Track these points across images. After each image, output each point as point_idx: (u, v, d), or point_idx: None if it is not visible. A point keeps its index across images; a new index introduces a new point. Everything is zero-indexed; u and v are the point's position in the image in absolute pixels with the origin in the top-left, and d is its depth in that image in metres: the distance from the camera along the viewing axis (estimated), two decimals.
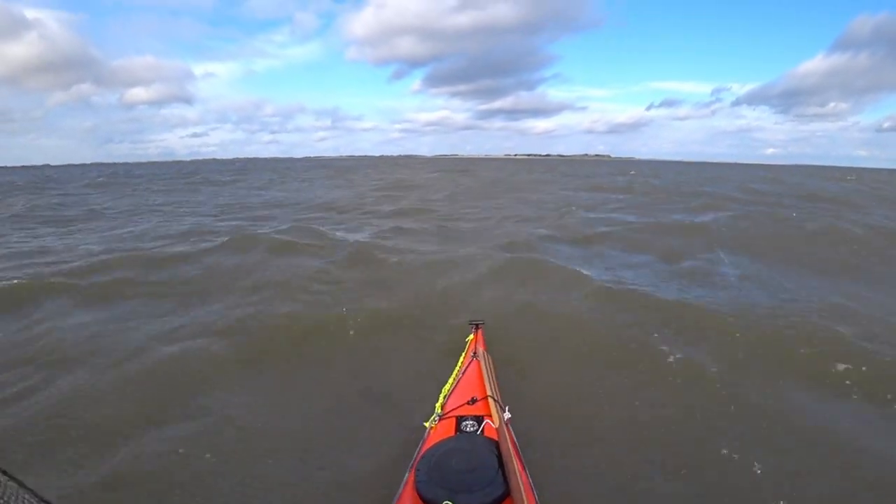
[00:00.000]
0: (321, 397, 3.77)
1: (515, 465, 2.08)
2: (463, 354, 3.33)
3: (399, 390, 3.91)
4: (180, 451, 2.98)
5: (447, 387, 2.91)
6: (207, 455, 2.98)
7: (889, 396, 3.64)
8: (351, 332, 4.82)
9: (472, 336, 3.56)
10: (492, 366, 3.07)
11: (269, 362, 4.27)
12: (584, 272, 6.63)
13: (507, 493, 1.94)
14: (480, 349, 3.27)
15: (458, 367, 3.18)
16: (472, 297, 5.61)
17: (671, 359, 4.23)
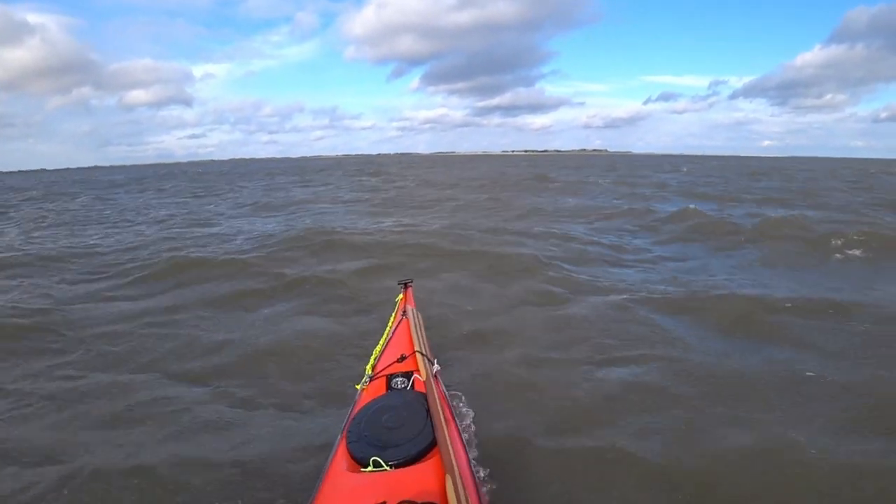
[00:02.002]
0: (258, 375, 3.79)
1: (442, 415, 2.07)
2: (393, 315, 3.32)
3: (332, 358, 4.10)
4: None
5: (378, 348, 2.89)
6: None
7: None
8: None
9: (401, 295, 3.54)
10: (421, 322, 3.06)
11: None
12: None
13: (434, 443, 1.95)
14: (409, 307, 3.26)
15: (388, 328, 3.15)
16: None
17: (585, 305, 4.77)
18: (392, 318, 3.28)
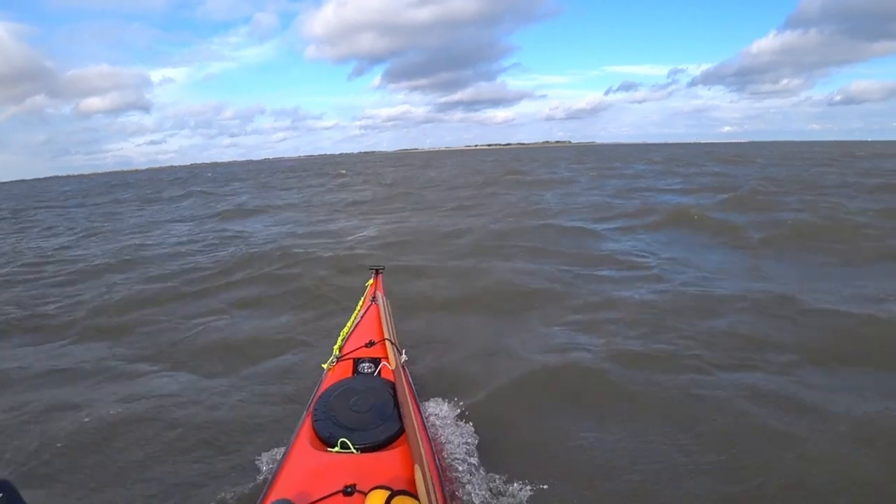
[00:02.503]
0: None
1: (410, 404, 2.09)
2: (362, 299, 3.32)
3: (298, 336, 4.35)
4: None
5: (346, 329, 2.89)
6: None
7: None
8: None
9: (371, 281, 3.54)
10: (389, 310, 3.07)
11: None
12: None
13: (401, 431, 1.97)
14: (379, 294, 3.26)
15: (357, 311, 3.17)
16: None
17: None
18: (361, 302, 3.27)
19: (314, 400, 2.24)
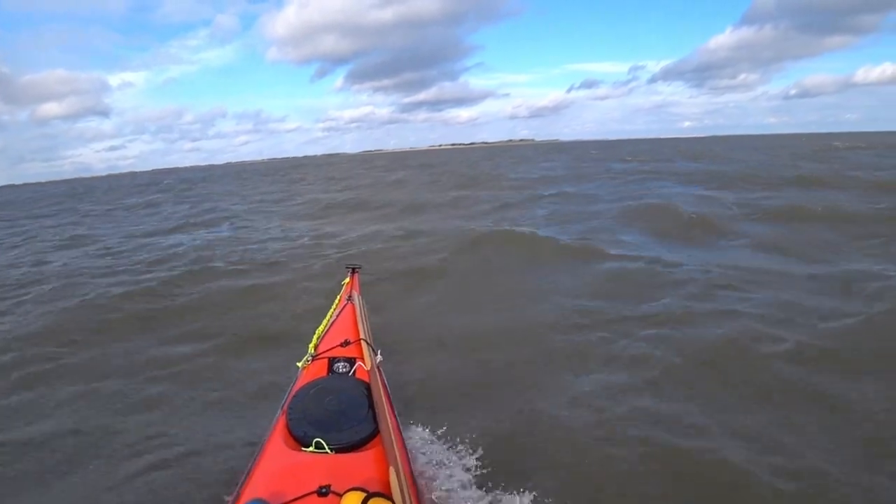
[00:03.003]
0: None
1: (385, 406, 2.08)
2: (338, 297, 3.30)
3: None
4: None
5: (321, 328, 2.87)
6: None
7: None
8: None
9: (347, 279, 3.52)
10: (365, 310, 3.05)
11: None
12: None
13: (376, 432, 1.97)
14: (355, 293, 3.26)
15: (332, 310, 3.15)
16: None
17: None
18: (337, 301, 3.25)
19: (288, 398, 2.23)
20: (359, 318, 2.87)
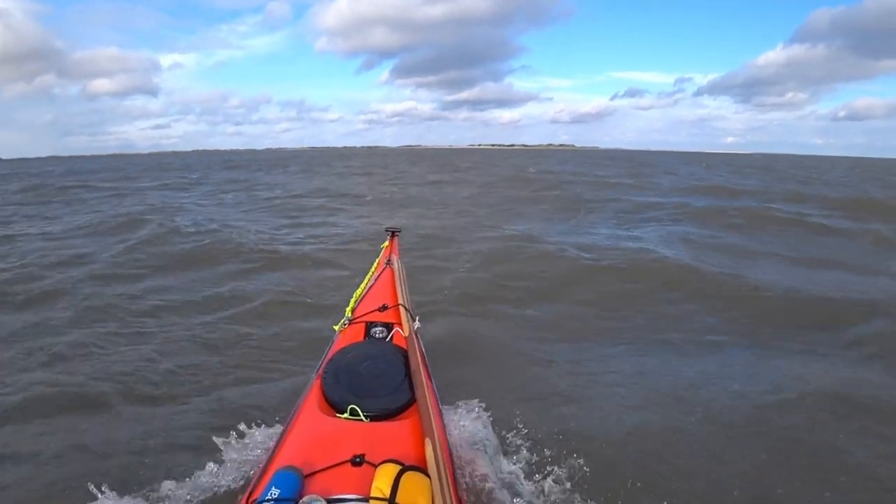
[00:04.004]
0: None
1: (422, 374, 2.02)
2: (377, 261, 3.24)
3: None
4: None
5: (359, 291, 2.84)
6: None
7: None
8: None
9: (387, 243, 3.46)
10: (404, 275, 3.00)
11: None
12: None
13: (412, 401, 1.91)
14: (394, 257, 3.21)
15: (370, 273, 3.10)
16: None
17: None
18: (375, 264, 3.20)
19: (324, 362, 2.20)
20: (398, 283, 2.82)
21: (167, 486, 2.10)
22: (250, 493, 1.52)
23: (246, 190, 16.30)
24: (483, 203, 12.46)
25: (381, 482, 1.38)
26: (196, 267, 5.85)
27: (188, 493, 2.06)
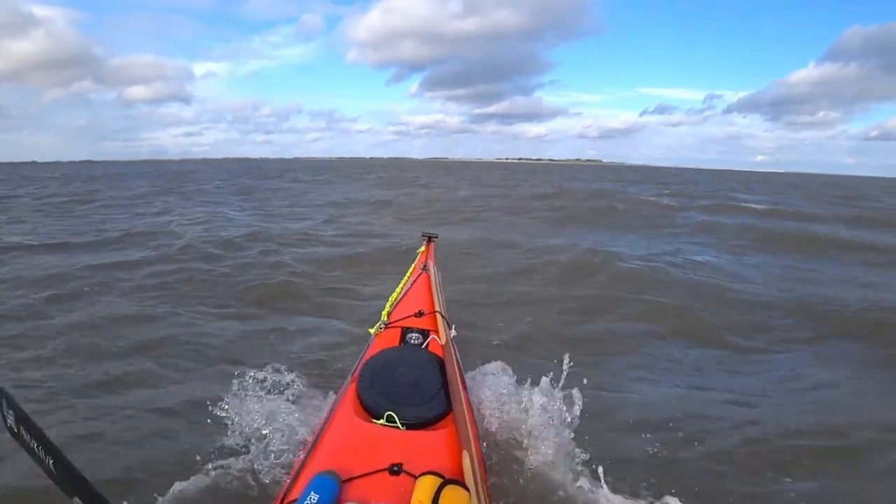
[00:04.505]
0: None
1: (459, 384, 1.99)
2: (413, 265, 3.21)
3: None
4: None
5: (394, 296, 2.82)
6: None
7: None
8: None
9: (423, 248, 3.44)
10: (440, 281, 2.96)
11: None
12: None
13: (448, 411, 1.88)
14: (430, 262, 3.19)
15: (406, 278, 3.07)
16: None
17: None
18: (411, 269, 3.18)
19: (359, 365, 2.17)
20: (434, 289, 2.80)
21: (197, 481, 2.08)
22: (285, 495, 1.49)
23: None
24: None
25: (422, 493, 1.35)
26: None
27: (218, 492, 2.04)
